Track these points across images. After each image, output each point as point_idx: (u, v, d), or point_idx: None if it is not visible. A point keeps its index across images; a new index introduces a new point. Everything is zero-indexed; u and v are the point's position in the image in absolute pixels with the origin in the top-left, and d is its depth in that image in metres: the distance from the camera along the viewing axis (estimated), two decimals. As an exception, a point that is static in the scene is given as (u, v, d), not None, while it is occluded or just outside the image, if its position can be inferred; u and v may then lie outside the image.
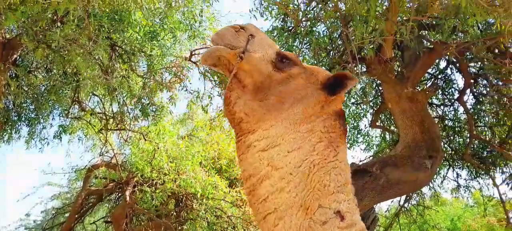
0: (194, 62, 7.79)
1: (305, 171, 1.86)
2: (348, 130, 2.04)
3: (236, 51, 2.05)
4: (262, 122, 1.95)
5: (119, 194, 11.45)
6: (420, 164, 4.46)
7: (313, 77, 2.10)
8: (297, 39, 5.60)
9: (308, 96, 2.02)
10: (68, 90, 8.13)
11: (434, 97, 7.09)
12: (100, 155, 10.10)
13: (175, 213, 10.03)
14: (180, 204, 10.38)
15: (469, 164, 7.39)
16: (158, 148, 8.94)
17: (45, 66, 8.25)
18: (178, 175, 9.08)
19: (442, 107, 7.28)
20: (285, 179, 1.85)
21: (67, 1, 4.57)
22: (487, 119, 7.00)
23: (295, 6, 5.15)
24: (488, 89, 6.47)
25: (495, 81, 6.14)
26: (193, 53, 7.80)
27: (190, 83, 7.70)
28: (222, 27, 2.29)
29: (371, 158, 7.82)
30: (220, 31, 2.18)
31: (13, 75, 7.81)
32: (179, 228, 9.82)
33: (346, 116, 7.10)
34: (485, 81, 6.70)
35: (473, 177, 7.73)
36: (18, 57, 7.93)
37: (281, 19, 5.55)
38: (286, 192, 1.84)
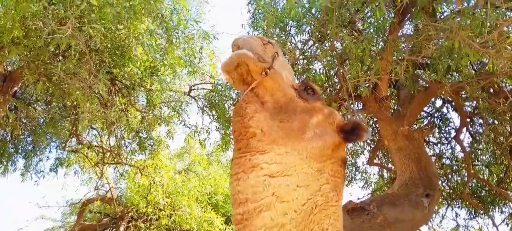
0: (193, 97, 7.86)
1: (307, 211, 1.76)
2: (346, 168, 2.01)
3: (263, 65, 1.97)
4: (276, 145, 1.82)
5: (113, 229, 11.25)
6: (417, 202, 4.42)
7: (331, 118, 2.04)
8: (294, 76, 5.69)
9: (328, 135, 1.94)
10: (67, 123, 8.15)
11: (431, 135, 7.12)
12: (95, 189, 10.01)
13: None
14: (175, 240, 10.18)
15: (468, 203, 7.33)
16: (154, 183, 8.88)
17: (44, 99, 8.32)
18: (174, 211, 8.97)
19: (439, 145, 7.29)
20: (288, 216, 1.71)
21: (69, 36, 4.68)
22: (484, 157, 7.00)
23: (293, 45, 5.27)
24: (484, 128, 6.51)
25: (491, 120, 6.19)
26: (192, 88, 7.89)
27: (189, 118, 7.73)
28: (246, 36, 2.16)
29: (369, 195, 7.75)
30: (246, 39, 2.08)
31: (12, 107, 7.86)
32: (173, 265, 9.59)
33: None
34: (480, 120, 6.75)
35: (472, 216, 7.63)
36: (19, 90, 8.01)
37: (279, 57, 5.66)
38: (286, 230, 1.70)
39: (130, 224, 9.87)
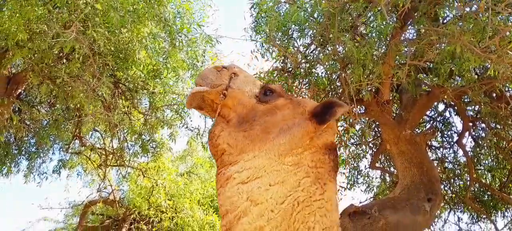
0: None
1: (288, 209, 1.68)
2: (336, 155, 1.84)
3: (218, 89, 2.05)
4: (245, 153, 1.83)
5: (116, 231, 11.29)
6: (419, 206, 4.41)
7: (300, 107, 2.00)
8: (296, 80, 5.72)
9: (295, 126, 1.88)
10: (70, 126, 8.20)
11: (433, 139, 7.11)
12: (98, 191, 10.05)
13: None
14: (177, 243, 10.19)
15: (470, 207, 7.31)
16: (156, 185, 8.92)
17: (48, 101, 8.38)
18: (176, 213, 8.99)
19: (441, 149, 7.28)
20: (265, 217, 1.66)
21: (73, 40, 4.72)
22: (486, 162, 6.99)
23: (295, 49, 5.30)
24: (486, 132, 6.50)
25: (493, 124, 6.18)
26: (195, 91, 7.92)
27: (191, 121, 7.76)
28: (203, 70, 2.28)
29: (371, 199, 7.75)
30: (202, 73, 2.19)
31: (16, 109, 7.91)
32: (175, 268, 9.60)
33: (347, 156, 7.13)
34: (483, 125, 6.75)
35: (474, 221, 7.61)
36: (23, 92, 8.07)
37: (281, 61, 5.69)
38: None
39: (132, 226, 9.90)
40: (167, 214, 8.95)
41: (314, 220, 1.69)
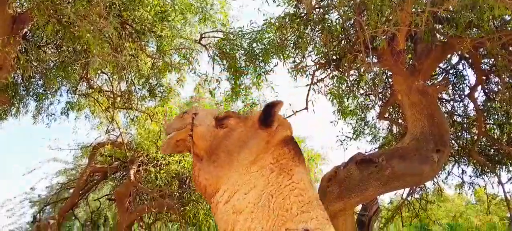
0: (204, 46, 7.74)
1: (265, 204, 1.93)
2: (294, 142, 2.29)
3: (184, 129, 2.36)
4: (220, 179, 2.10)
5: (124, 173, 11.59)
6: (427, 157, 4.42)
7: (249, 121, 2.28)
8: (309, 26, 5.55)
9: (249, 139, 2.17)
10: (77, 67, 8.13)
11: (444, 92, 7.02)
12: (106, 133, 10.17)
13: (178, 194, 10.14)
14: (184, 185, 10.49)
15: (475, 161, 7.35)
16: (164, 129, 9.00)
17: (54, 42, 8.26)
18: (183, 157, 9.14)
19: (451, 102, 7.21)
20: (249, 218, 1.92)
21: (79, -24, 4.54)
22: (496, 116, 6.93)
23: (309, -8, 5.08)
24: (499, 87, 6.39)
25: (507, 79, 6.06)
26: (203, 36, 7.76)
27: (199, 66, 7.67)
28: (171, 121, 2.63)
29: (376, 149, 7.80)
30: (169, 123, 2.54)
31: (23, 50, 7.82)
32: (182, 209, 9.93)
33: (351, 110, 7.07)
34: (496, 79, 6.62)
35: (478, 174, 7.69)
36: (28, 32, 7.94)
37: (293, 5, 5.49)
38: (253, 230, 1.89)
39: (140, 168, 10.13)
40: (174, 157, 9.11)
41: (290, 202, 1.91)
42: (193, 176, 2.29)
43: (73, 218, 13.24)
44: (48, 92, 9.10)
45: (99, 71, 8.53)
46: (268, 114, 2.19)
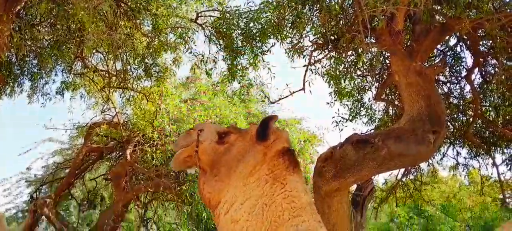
0: (200, 25, 7.65)
1: (259, 212, 2.05)
2: (292, 151, 2.41)
3: (190, 146, 2.48)
4: (221, 192, 2.23)
5: (120, 153, 11.59)
6: (423, 138, 4.43)
7: (248, 135, 2.40)
8: (307, 6, 5.48)
9: (247, 152, 2.29)
10: (72, 46, 8.02)
11: (441, 74, 7.02)
12: (102, 113, 10.12)
13: (174, 174, 10.17)
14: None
15: (470, 142, 7.41)
16: (160, 109, 8.95)
17: (49, 20, 8.12)
18: (179, 137, 9.12)
19: (448, 84, 7.21)
20: (244, 227, 2.04)
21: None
22: (492, 99, 6.95)
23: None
24: (497, 69, 6.39)
25: (505, 61, 6.05)
26: (199, 15, 7.65)
27: (195, 45, 7.55)
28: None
29: (372, 130, 7.82)
30: (176, 141, 2.66)
31: (16, 28, 7.69)
32: (178, 188, 9.98)
33: (347, 92, 7.05)
34: (494, 61, 6.61)
35: (473, 155, 7.76)
36: (22, 10, 7.78)
37: (291, -16, 5.41)
38: None
39: (136, 148, 10.13)
40: (170, 138, 9.10)
41: (282, 209, 2.02)
42: (199, 189, 2.44)
43: (70, 197, 13.26)
44: (43, 71, 8.99)
45: (94, 50, 8.41)
46: (265, 128, 2.30)
